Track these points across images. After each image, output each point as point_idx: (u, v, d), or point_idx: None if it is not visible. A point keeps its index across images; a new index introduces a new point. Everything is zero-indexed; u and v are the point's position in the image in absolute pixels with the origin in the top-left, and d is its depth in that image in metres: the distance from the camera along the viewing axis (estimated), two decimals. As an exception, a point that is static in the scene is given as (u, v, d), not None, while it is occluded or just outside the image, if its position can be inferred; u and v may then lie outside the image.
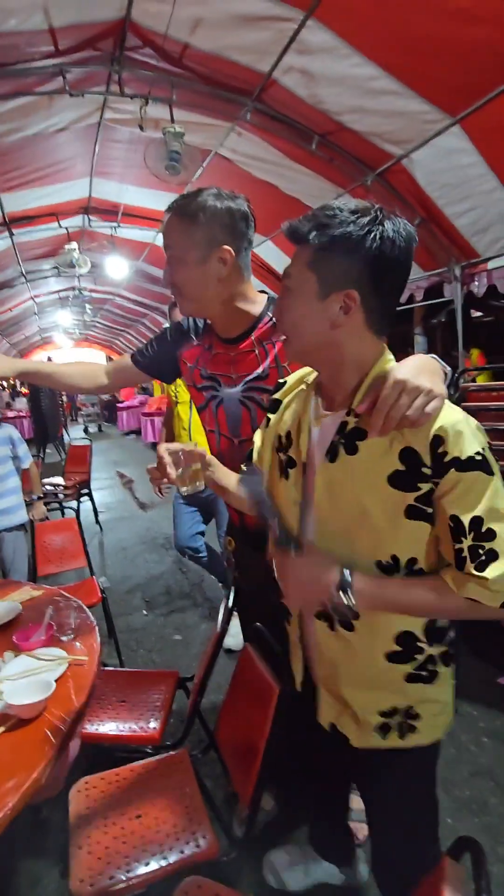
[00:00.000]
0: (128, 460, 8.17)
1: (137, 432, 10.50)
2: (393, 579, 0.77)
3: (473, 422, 0.73)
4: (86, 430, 12.91)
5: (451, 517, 0.71)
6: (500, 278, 3.25)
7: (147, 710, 1.43)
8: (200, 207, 1.06)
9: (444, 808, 1.54)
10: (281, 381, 1.04)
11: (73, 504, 4.10)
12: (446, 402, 0.75)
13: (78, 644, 1.22)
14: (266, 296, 1.21)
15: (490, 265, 3.28)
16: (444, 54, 2.23)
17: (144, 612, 2.97)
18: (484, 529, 0.70)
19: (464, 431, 0.70)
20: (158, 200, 4.45)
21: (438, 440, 0.71)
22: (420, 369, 0.76)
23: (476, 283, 3.46)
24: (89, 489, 4.52)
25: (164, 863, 0.99)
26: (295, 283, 0.77)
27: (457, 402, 1.79)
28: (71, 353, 14.91)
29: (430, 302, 3.98)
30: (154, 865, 0.98)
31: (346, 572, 0.76)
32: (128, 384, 1.46)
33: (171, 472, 0.95)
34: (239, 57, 2.65)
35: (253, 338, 1.17)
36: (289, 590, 0.82)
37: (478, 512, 0.70)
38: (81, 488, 4.40)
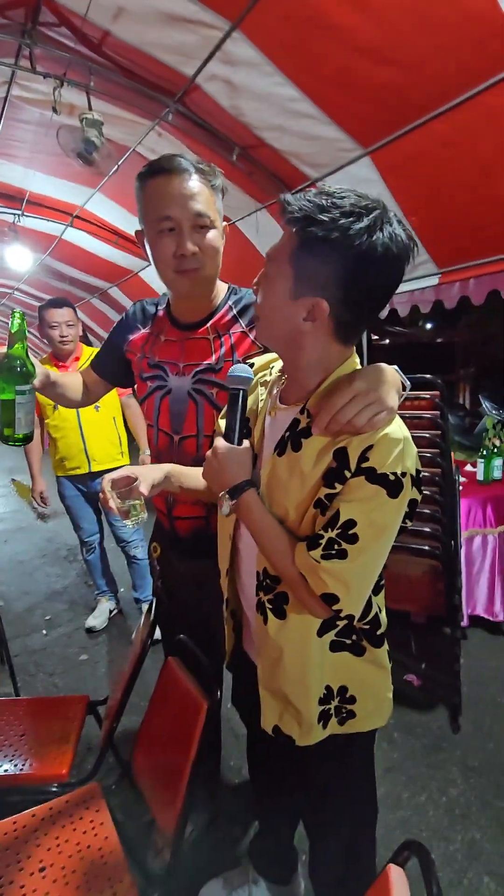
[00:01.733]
0: (24, 467, 7.48)
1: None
2: (272, 517, 0.80)
3: (413, 448, 0.75)
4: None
5: (335, 509, 0.73)
6: (401, 303, 3.53)
7: (52, 743, 1.27)
8: (220, 179, 1.07)
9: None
10: (250, 361, 0.99)
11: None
12: (397, 419, 0.76)
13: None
14: (227, 285, 1.18)
15: (393, 290, 3.57)
16: (358, 88, 2.38)
17: (44, 631, 2.69)
18: (351, 532, 0.72)
19: (394, 450, 0.71)
20: (69, 192, 4.19)
21: (369, 449, 0.71)
22: (379, 379, 0.77)
23: (381, 305, 3.72)
24: (-22, 499, 4.05)
25: (74, 919, 0.86)
26: (273, 271, 0.74)
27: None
28: (-41, 349, 13.42)
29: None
30: (62, 924, 0.85)
31: (247, 484, 0.81)
32: (100, 396, 1.34)
33: (113, 505, 0.90)
34: (163, 56, 2.60)
35: (209, 325, 1.12)
36: (206, 469, 0.87)
37: (356, 517, 0.71)
38: (-31, 498, 3.92)
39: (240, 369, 0.86)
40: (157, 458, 1.20)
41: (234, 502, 0.82)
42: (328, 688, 0.85)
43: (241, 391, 0.85)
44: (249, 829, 1.51)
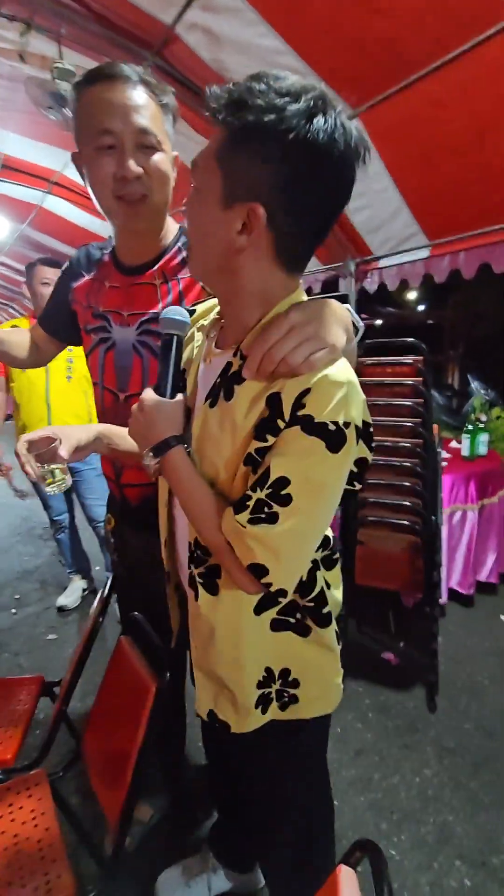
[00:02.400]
0: (3, 444, 7.32)
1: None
2: (201, 478, 0.70)
3: (360, 395, 0.64)
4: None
5: (267, 465, 0.63)
6: (390, 276, 3.42)
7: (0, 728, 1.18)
8: (171, 99, 0.95)
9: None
10: (191, 307, 0.88)
11: None
12: (343, 361, 0.65)
13: None
14: (179, 225, 1.07)
15: (381, 263, 3.44)
16: (346, 41, 2.23)
17: (13, 610, 2.61)
18: (283, 493, 0.61)
19: (335, 395, 0.60)
20: (48, 156, 3.98)
21: (306, 392, 0.60)
22: (321, 314, 0.65)
23: (369, 279, 3.61)
24: (-48, 477, 3.91)
25: (2, 917, 0.79)
26: (200, 178, 0.63)
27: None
28: None
29: (327, 295, 4.08)
30: (-13, 923, 0.78)
31: (174, 440, 0.71)
32: (48, 355, 1.22)
33: (31, 469, 0.81)
34: (140, 1, 2.42)
35: (156, 269, 1.01)
36: (131, 425, 0.76)
37: (290, 474, 0.61)
38: None
39: (173, 311, 0.75)
40: (102, 419, 1.09)
41: (157, 461, 0.72)
42: (268, 670, 0.77)
43: (175, 336, 0.75)
44: (212, 814, 1.45)
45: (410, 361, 1.63)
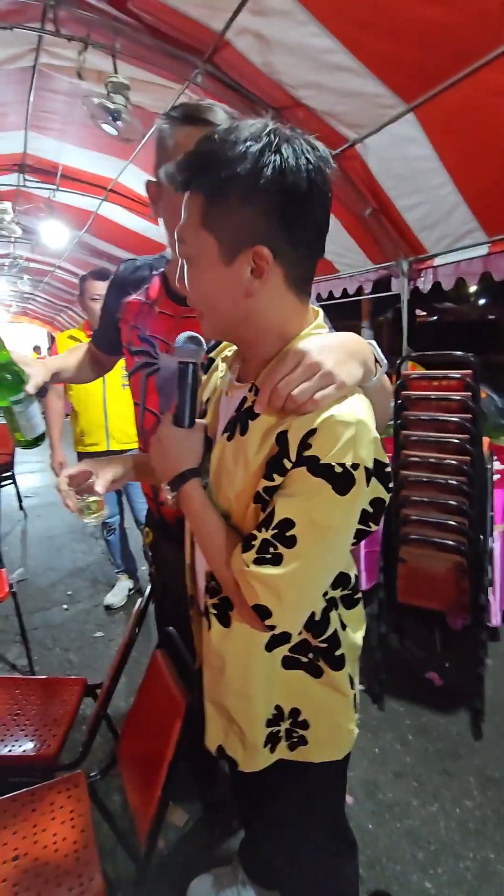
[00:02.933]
0: (63, 444, 7.71)
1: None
2: (215, 513, 0.71)
3: (370, 434, 0.61)
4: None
5: (273, 506, 0.62)
6: (446, 275, 3.27)
7: (44, 725, 1.26)
8: None
9: (366, 813, 1.51)
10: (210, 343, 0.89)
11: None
12: (356, 398, 0.62)
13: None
14: None
15: (436, 262, 3.30)
16: (399, 32, 2.14)
17: (65, 606, 2.75)
18: (288, 534, 0.60)
19: (342, 435, 0.58)
20: (103, 166, 4.13)
21: (312, 433, 0.59)
22: (333, 347, 0.63)
23: (423, 278, 3.48)
24: (12, 472, 4.17)
25: (38, 915, 0.84)
26: (193, 250, 0.63)
27: (398, 390, 1.75)
28: (7, 327, 13.92)
29: (377, 295, 3.98)
30: (25, 920, 0.83)
31: (190, 473, 0.72)
32: (114, 365, 1.29)
33: (70, 503, 0.86)
34: (190, 9, 2.45)
35: None
36: (151, 454, 0.78)
37: (294, 516, 0.60)
38: (3, 471, 4.04)
39: (186, 337, 0.75)
40: (141, 437, 1.13)
41: (174, 494, 0.73)
42: (278, 708, 0.76)
43: (190, 365, 0.74)
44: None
45: (458, 376, 1.55)
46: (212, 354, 0.88)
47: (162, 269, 1.11)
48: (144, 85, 2.97)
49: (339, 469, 0.58)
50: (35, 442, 0.99)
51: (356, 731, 0.80)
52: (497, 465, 2.14)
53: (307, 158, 0.58)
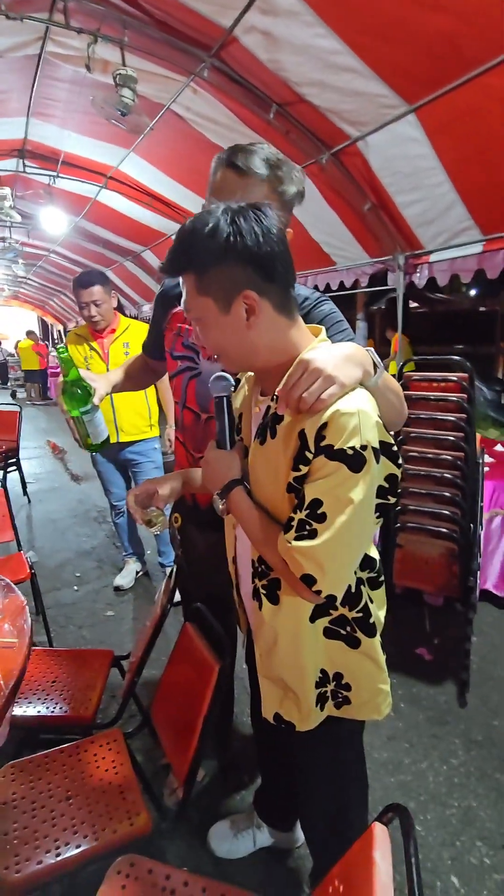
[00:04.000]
0: (58, 430, 7.77)
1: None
2: (259, 511, 0.84)
3: (372, 418, 0.74)
4: (13, 395, 12.07)
5: (303, 490, 0.75)
6: (441, 271, 3.38)
7: (79, 691, 1.39)
8: (294, 186, 1.04)
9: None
10: None
11: (-1, 474, 3.85)
12: (357, 392, 0.76)
13: (7, 626, 1.15)
14: None
15: (432, 258, 3.40)
16: (405, 39, 2.22)
17: (75, 587, 2.88)
18: (319, 512, 0.73)
19: (348, 424, 0.71)
20: (104, 153, 4.13)
21: (324, 426, 0.72)
22: (335, 356, 0.76)
23: (418, 273, 3.58)
24: (18, 458, 4.25)
25: (95, 843, 0.98)
26: (198, 313, 0.78)
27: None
28: (-2, 310, 13.73)
29: (374, 289, 4.07)
30: (85, 846, 0.97)
31: (234, 483, 0.86)
32: (160, 375, 1.41)
33: (139, 518, 1.02)
34: (199, 6, 2.48)
35: None
36: (202, 475, 0.94)
37: (321, 496, 0.73)
38: (9, 457, 4.12)
39: (217, 376, 0.89)
40: (182, 433, 1.25)
41: (224, 502, 0.87)
42: (323, 671, 0.89)
43: (224, 398, 0.89)
44: (257, 778, 1.63)
45: (455, 378, 1.69)
46: (237, 375, 1.01)
47: None
48: (151, 76, 2.99)
49: (350, 451, 0.71)
50: (102, 445, 1.13)
51: (390, 694, 0.94)
52: (486, 459, 2.29)
53: (260, 223, 0.74)
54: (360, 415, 0.72)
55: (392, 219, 3.35)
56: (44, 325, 16.38)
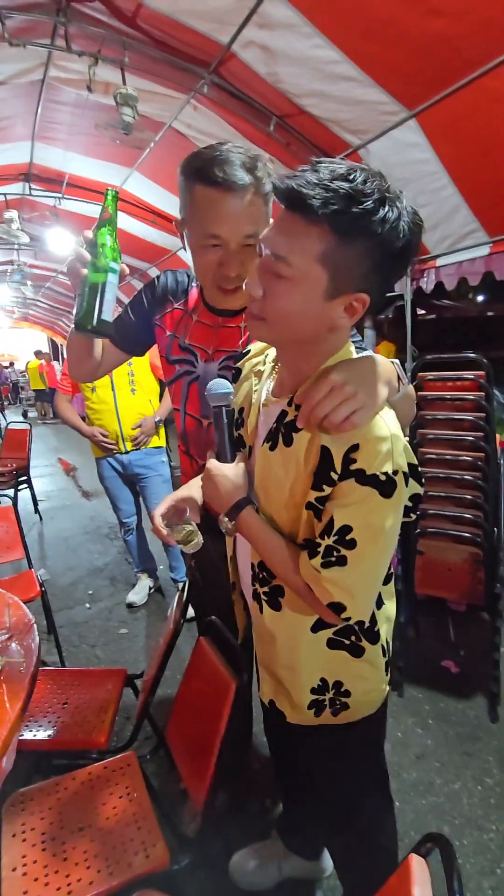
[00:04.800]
0: (69, 448, 7.79)
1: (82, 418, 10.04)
2: (273, 532, 0.79)
3: (402, 443, 0.71)
4: (24, 415, 12.20)
5: (330, 514, 0.70)
6: (448, 275, 3.35)
7: (92, 713, 1.33)
8: (270, 182, 0.95)
9: (391, 792, 1.59)
10: (243, 350, 0.98)
11: (10, 492, 3.84)
12: (386, 414, 0.71)
13: (13, 645, 1.11)
14: None
15: (438, 262, 3.38)
16: (403, 43, 2.22)
17: (87, 605, 2.83)
18: (348, 538, 0.69)
19: (382, 449, 0.67)
20: (107, 173, 4.20)
21: (355, 448, 0.68)
22: (364, 372, 0.71)
23: (425, 278, 3.55)
24: (28, 476, 4.24)
25: (109, 877, 0.92)
26: (296, 272, 0.64)
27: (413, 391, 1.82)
28: (8, 333, 13.98)
29: (381, 295, 4.04)
30: (98, 882, 0.91)
31: (244, 502, 0.80)
32: (114, 366, 1.26)
33: (165, 533, 0.94)
34: (197, 24, 2.52)
35: (244, 314, 1.08)
36: (203, 491, 0.87)
37: (351, 522, 0.69)
38: (19, 475, 4.12)
39: (216, 385, 0.84)
40: (183, 441, 1.20)
41: (233, 524, 0.82)
42: (323, 680, 0.85)
43: (223, 408, 0.84)
44: (280, 802, 1.55)
45: (472, 377, 1.63)
46: (238, 364, 0.96)
47: (198, 284, 1.16)
48: (151, 95, 3.04)
49: (382, 477, 0.67)
50: (105, 327, 0.93)
51: (387, 689, 0.90)
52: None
53: (413, 218, 0.64)
54: (392, 440, 0.69)
55: (396, 225, 3.35)
56: (54, 346, 16.63)
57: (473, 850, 1.40)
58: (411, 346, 3.91)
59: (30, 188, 4.43)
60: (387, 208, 0.61)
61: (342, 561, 0.70)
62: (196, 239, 0.98)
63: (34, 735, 1.25)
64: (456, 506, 1.72)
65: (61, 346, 14.41)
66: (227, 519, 0.83)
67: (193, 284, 1.17)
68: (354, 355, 0.76)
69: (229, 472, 0.83)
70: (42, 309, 11.42)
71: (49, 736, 1.26)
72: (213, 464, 0.84)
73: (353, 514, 0.69)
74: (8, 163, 4.08)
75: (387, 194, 0.61)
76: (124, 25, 2.64)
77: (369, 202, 0.60)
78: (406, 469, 0.71)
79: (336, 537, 0.69)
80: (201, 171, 0.92)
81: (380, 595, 0.84)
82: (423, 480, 0.80)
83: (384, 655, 0.87)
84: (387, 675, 0.90)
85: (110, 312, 0.93)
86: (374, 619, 0.83)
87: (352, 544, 0.69)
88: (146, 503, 2.65)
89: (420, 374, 1.75)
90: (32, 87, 3.17)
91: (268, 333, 0.73)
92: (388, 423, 0.70)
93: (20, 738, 1.23)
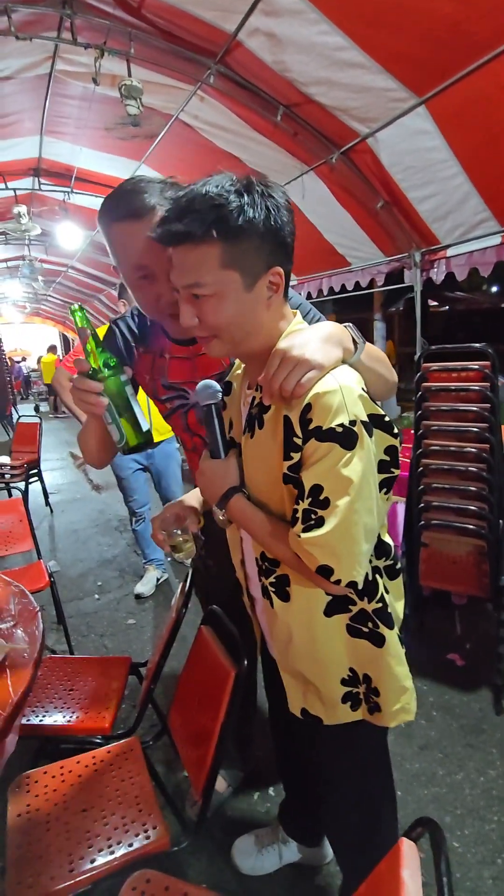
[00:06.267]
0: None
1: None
2: (261, 512, 0.81)
3: (355, 392, 0.71)
4: (36, 409, 12.35)
5: (300, 479, 0.72)
6: (459, 266, 3.29)
7: (97, 699, 1.36)
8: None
9: (395, 782, 1.60)
10: (228, 367, 1.00)
11: (21, 485, 3.90)
12: (337, 370, 0.73)
13: (19, 631, 1.13)
14: None
15: (449, 252, 3.32)
16: (410, 28, 2.18)
17: (97, 596, 2.87)
18: (321, 497, 0.70)
19: (333, 402, 0.69)
20: (116, 166, 4.21)
21: (308, 409, 0.70)
22: (311, 338, 0.73)
23: (435, 269, 3.50)
24: (39, 469, 4.30)
25: (110, 858, 0.94)
26: (214, 287, 0.71)
27: (417, 382, 1.81)
28: (21, 327, 14.12)
29: (391, 287, 4.00)
30: (100, 861, 0.93)
31: (231, 491, 0.83)
32: None
33: (165, 545, 0.97)
34: (202, 13, 2.50)
35: None
36: (199, 485, 0.90)
37: (320, 480, 0.70)
38: (30, 468, 4.18)
39: (204, 385, 0.86)
40: (194, 454, 1.21)
41: (224, 512, 0.84)
42: (352, 670, 0.84)
43: (212, 405, 0.85)
44: (281, 789, 1.57)
45: (477, 367, 1.61)
46: (228, 377, 0.97)
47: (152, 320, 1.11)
48: (158, 87, 3.03)
49: (339, 429, 0.68)
50: (147, 437, 0.94)
51: (413, 689, 0.88)
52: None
53: (282, 197, 0.73)
54: (342, 391, 0.70)
55: (406, 215, 3.30)
56: (65, 341, 16.76)
57: (475, 841, 1.41)
58: (421, 339, 3.86)
59: (39, 183, 4.46)
60: (245, 198, 0.69)
61: (320, 522, 0.70)
62: (128, 277, 0.95)
63: (41, 720, 1.28)
64: (461, 497, 1.70)
65: (73, 340, 14.51)
66: (218, 509, 0.84)
67: (148, 323, 1.13)
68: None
69: (219, 466, 0.85)
70: (53, 304, 11.51)
71: (56, 721, 1.28)
72: (204, 459, 0.88)
73: (320, 472, 0.70)
74: (18, 158, 4.10)
75: (248, 191, 0.69)
76: (130, 16, 2.63)
77: (230, 203, 0.68)
78: (365, 418, 0.71)
79: (310, 499, 0.70)
80: (112, 211, 0.91)
81: (385, 587, 0.83)
82: (398, 432, 0.80)
83: (402, 646, 0.86)
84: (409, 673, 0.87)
85: (143, 418, 0.94)
86: (384, 601, 0.82)
87: (325, 503, 0.70)
88: (165, 489, 2.70)
89: (425, 364, 1.74)
90: (40, 82, 3.17)
91: (223, 346, 0.78)
92: (336, 377, 0.71)
93: (27, 722, 1.27)
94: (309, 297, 4.62)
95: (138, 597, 2.77)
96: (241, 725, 1.55)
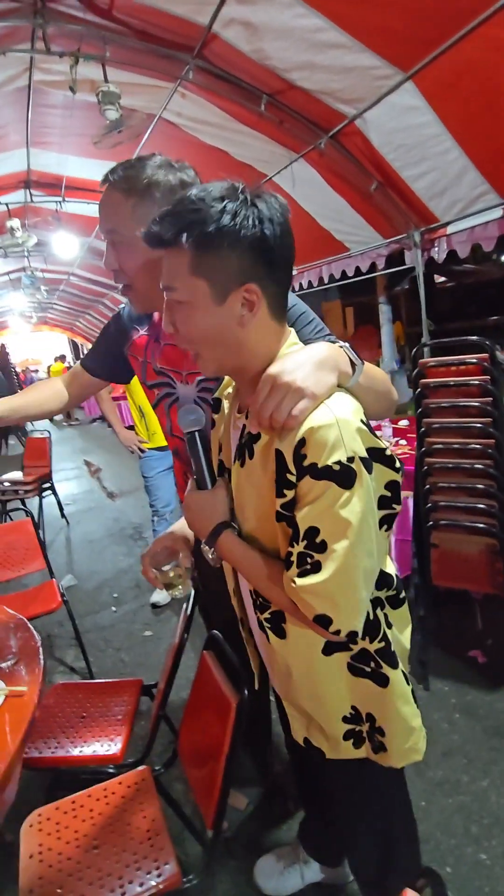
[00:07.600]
0: (95, 448, 7.96)
1: (104, 418, 10.23)
2: (254, 551, 0.76)
3: (353, 425, 0.66)
4: (50, 419, 12.50)
5: (296, 520, 0.67)
6: (460, 242, 3.17)
7: (109, 725, 1.36)
8: (150, 182, 0.95)
9: (416, 791, 1.56)
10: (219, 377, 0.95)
11: (35, 501, 3.94)
12: (333, 399, 0.67)
13: (21, 669, 1.13)
14: None
15: (449, 230, 3.20)
16: (390, 1, 2.07)
17: (113, 608, 2.89)
18: (318, 541, 0.65)
19: (328, 437, 0.63)
20: (103, 171, 4.14)
21: (302, 443, 0.65)
22: (302, 363, 0.68)
23: (436, 248, 3.38)
24: (51, 483, 4.34)
25: (121, 898, 0.93)
26: (183, 294, 0.68)
27: (416, 379, 1.74)
28: (30, 336, 14.26)
29: (392, 270, 3.90)
30: (111, 903, 0.92)
31: (220, 527, 0.78)
32: (89, 393, 1.30)
33: (158, 582, 0.95)
34: (174, 7, 2.42)
35: None
36: (186, 518, 0.86)
37: (316, 522, 0.65)
38: (42, 483, 4.22)
39: (185, 412, 0.81)
40: (179, 460, 1.20)
41: (213, 550, 0.79)
42: (355, 709, 0.80)
43: (196, 433, 0.81)
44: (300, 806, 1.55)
45: (475, 360, 1.54)
46: (216, 395, 0.93)
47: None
48: (137, 88, 2.96)
49: (336, 467, 0.63)
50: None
51: (423, 730, 0.84)
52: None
53: (276, 210, 0.67)
54: (339, 424, 0.64)
55: (402, 195, 3.19)
56: (74, 346, 16.89)
57: (502, 852, 1.37)
58: (427, 319, 3.75)
59: (30, 195, 4.45)
60: (226, 206, 0.65)
61: (317, 567, 0.65)
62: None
63: (53, 752, 1.28)
64: (468, 496, 1.64)
65: (82, 346, 14.62)
66: (207, 548, 0.80)
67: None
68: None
69: (207, 497, 0.80)
70: (59, 311, 11.58)
71: (68, 753, 1.28)
72: (191, 492, 0.83)
73: (315, 513, 0.65)
74: (7, 172, 4.09)
75: (231, 199, 0.65)
76: (101, 19, 2.57)
77: (210, 212, 0.64)
78: (364, 454, 0.66)
79: (305, 542, 0.66)
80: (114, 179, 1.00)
81: (386, 617, 0.79)
82: (399, 465, 0.75)
83: (408, 683, 0.82)
84: (418, 707, 0.83)
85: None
86: (387, 639, 0.78)
87: (322, 547, 0.65)
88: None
89: (421, 361, 1.67)
90: (20, 94, 3.14)
91: (206, 364, 0.74)
92: (332, 409, 0.66)
93: (40, 755, 1.27)
94: (310, 286, 4.54)
95: (154, 606, 2.78)
96: (258, 740, 1.54)
